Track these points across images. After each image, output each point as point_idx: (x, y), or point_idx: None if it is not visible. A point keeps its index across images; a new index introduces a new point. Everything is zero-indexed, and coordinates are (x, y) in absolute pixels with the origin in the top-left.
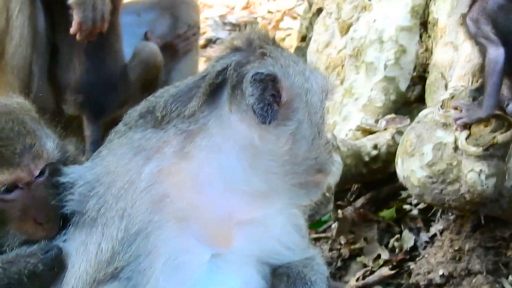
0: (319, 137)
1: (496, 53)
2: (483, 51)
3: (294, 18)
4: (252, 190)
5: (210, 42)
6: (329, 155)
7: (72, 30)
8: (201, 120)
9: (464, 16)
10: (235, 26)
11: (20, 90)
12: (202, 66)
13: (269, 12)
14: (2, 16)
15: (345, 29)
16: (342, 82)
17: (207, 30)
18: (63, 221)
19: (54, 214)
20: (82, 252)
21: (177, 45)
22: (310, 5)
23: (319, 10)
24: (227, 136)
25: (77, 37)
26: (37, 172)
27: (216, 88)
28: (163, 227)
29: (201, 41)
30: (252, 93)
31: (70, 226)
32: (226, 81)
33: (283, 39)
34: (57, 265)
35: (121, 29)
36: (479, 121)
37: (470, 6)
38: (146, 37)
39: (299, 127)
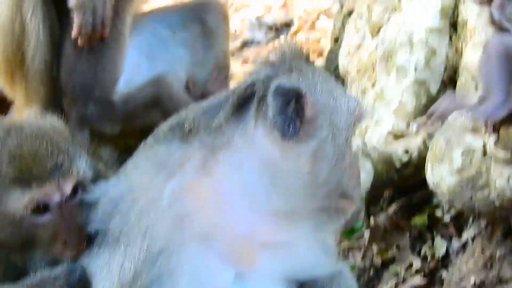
0: (342, 159)
1: None
2: None
3: (330, 17)
4: (274, 210)
5: (246, 43)
6: (355, 180)
7: (73, 34)
8: (226, 133)
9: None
10: (272, 27)
11: (46, 97)
12: (239, 68)
13: (305, 11)
14: (16, 20)
15: (376, 31)
16: (373, 86)
17: (243, 32)
18: (87, 240)
19: (84, 236)
20: (106, 272)
21: (212, 91)
22: (342, 7)
23: (350, 12)
24: (250, 151)
25: (78, 41)
26: (67, 189)
27: (244, 101)
28: (185, 246)
29: (238, 43)
30: (273, 106)
31: (94, 245)
32: (254, 95)
33: (319, 40)
34: (81, 287)
35: (125, 40)
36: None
37: None
38: (187, 87)
39: (322, 146)
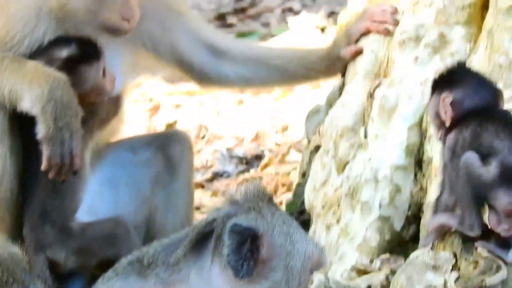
0: None
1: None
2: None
3: (300, 151)
4: None
5: (217, 175)
6: None
7: (42, 166)
8: (184, 269)
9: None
10: (242, 160)
11: (11, 226)
12: (208, 199)
13: (276, 144)
14: None
15: (342, 167)
16: (338, 221)
17: (214, 163)
18: None
19: None
20: None
21: None
22: (309, 142)
23: (317, 147)
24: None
25: (49, 174)
26: None
27: (204, 238)
28: None
29: (208, 175)
30: (228, 244)
31: None
32: (213, 232)
33: (288, 173)
34: None
35: (85, 170)
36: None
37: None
38: None
39: None
